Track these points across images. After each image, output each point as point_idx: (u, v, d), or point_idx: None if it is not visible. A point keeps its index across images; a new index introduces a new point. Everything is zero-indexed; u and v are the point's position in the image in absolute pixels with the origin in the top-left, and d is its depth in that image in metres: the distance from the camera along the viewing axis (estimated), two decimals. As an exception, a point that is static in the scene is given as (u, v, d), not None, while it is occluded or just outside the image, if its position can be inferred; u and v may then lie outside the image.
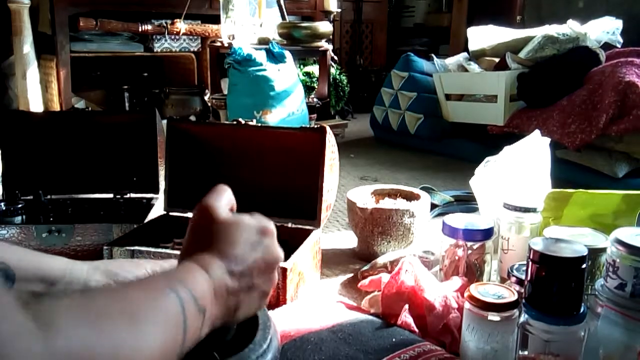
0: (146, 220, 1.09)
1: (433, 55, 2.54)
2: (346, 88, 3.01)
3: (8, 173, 1.24)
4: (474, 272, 0.92)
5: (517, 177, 1.08)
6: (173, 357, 0.41)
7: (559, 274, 0.66)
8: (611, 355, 0.71)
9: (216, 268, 0.48)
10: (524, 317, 0.69)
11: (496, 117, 2.10)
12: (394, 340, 0.78)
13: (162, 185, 1.23)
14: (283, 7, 2.69)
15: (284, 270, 0.87)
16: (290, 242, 1.02)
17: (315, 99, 2.56)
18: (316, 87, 2.72)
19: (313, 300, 0.93)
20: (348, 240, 1.30)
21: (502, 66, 2.15)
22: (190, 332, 0.42)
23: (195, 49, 2.78)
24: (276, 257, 0.54)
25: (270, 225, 0.54)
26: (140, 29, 2.49)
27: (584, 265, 0.66)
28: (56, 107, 2.35)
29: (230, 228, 0.51)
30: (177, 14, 2.52)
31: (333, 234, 1.38)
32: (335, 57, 2.84)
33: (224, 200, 0.53)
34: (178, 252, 0.59)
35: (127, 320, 0.37)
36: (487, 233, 0.91)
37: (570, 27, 2.06)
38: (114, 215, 1.20)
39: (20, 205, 1.17)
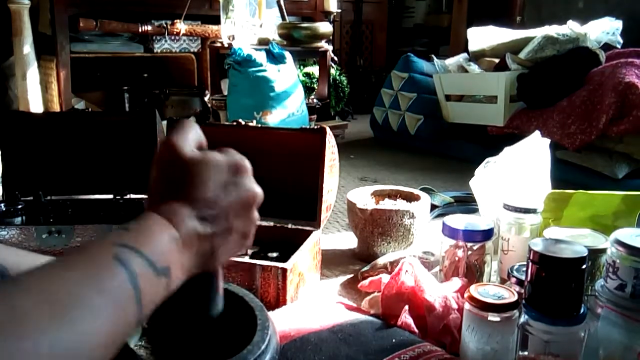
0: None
1: (433, 55, 2.54)
2: (346, 89, 3.01)
3: (8, 174, 1.24)
4: (474, 272, 0.92)
5: (517, 178, 1.08)
6: (128, 332, 0.37)
7: (559, 275, 0.66)
8: (611, 356, 0.71)
9: (184, 216, 0.43)
10: (524, 318, 0.69)
11: (496, 118, 2.10)
12: (394, 340, 0.78)
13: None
14: (283, 7, 2.69)
15: (284, 271, 0.87)
16: (291, 242, 1.02)
17: (315, 100, 2.56)
18: (316, 88, 2.72)
19: (313, 301, 0.93)
20: (348, 241, 1.30)
21: (502, 67, 2.15)
22: (147, 301, 0.38)
23: (196, 50, 2.78)
24: (252, 194, 0.49)
25: (244, 161, 0.49)
26: (140, 30, 2.49)
27: (584, 266, 0.66)
28: (56, 107, 2.35)
29: (198, 168, 0.45)
30: (177, 14, 2.52)
31: (333, 234, 1.38)
32: (335, 58, 2.84)
33: (190, 136, 0.47)
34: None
35: (58, 318, 0.32)
36: (487, 234, 0.91)
37: (570, 28, 2.06)
38: (114, 216, 1.20)
39: (20, 206, 1.17)
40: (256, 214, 0.50)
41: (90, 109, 1.63)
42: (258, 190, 0.50)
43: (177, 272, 0.42)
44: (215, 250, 0.46)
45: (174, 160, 0.45)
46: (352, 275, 1.11)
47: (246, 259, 0.56)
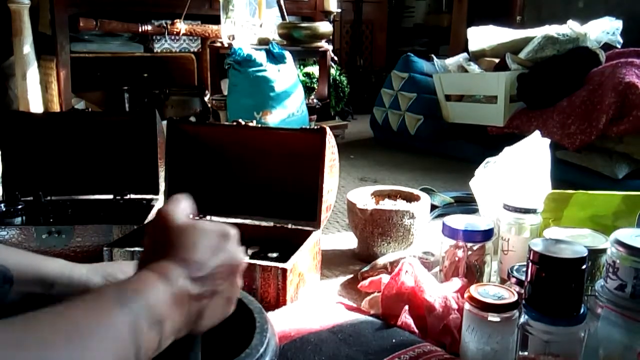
0: (146, 222, 1.09)
1: (433, 55, 2.54)
2: (346, 89, 3.01)
3: (8, 174, 1.24)
4: (474, 273, 0.92)
5: (517, 178, 1.08)
6: None
7: (559, 275, 0.66)
8: (611, 356, 0.71)
9: (176, 274, 0.46)
10: (524, 318, 0.69)
11: (496, 118, 2.10)
12: (394, 341, 0.78)
13: (162, 186, 1.23)
14: (283, 7, 2.69)
15: (284, 271, 0.87)
16: (291, 243, 1.02)
17: (315, 100, 2.56)
18: (316, 88, 2.72)
19: (313, 301, 0.93)
20: (348, 241, 1.30)
21: (502, 67, 2.15)
22: (144, 347, 0.41)
23: (195, 50, 2.78)
24: (238, 261, 0.51)
25: (232, 229, 0.52)
26: (140, 30, 2.49)
27: (584, 266, 0.66)
28: (56, 107, 2.35)
29: (188, 233, 0.49)
30: (177, 14, 2.52)
31: (333, 235, 1.38)
32: (335, 58, 2.84)
33: (182, 206, 0.51)
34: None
35: (64, 346, 0.35)
36: (487, 234, 0.91)
37: (570, 28, 2.06)
38: (114, 216, 1.20)
39: (20, 207, 1.17)
40: (240, 281, 0.53)
41: (90, 109, 1.62)
42: (243, 257, 0.53)
43: (168, 328, 0.44)
44: (202, 312, 0.48)
45: (167, 226, 0.49)
46: (352, 276, 1.11)
47: (246, 259, 0.56)
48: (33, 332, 0.35)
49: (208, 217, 1.08)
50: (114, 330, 0.39)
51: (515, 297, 0.72)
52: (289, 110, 2.09)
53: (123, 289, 0.43)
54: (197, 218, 0.54)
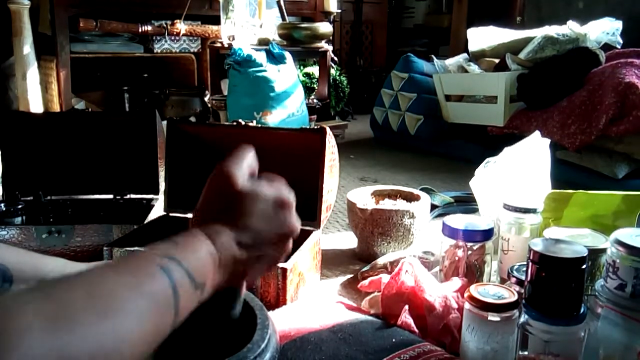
0: (146, 221, 1.09)
1: (433, 56, 2.54)
2: (346, 89, 3.01)
3: (8, 174, 1.24)
4: (474, 272, 0.92)
5: (517, 178, 1.08)
6: (164, 335, 0.40)
7: (559, 275, 0.66)
8: (611, 356, 0.71)
9: (225, 238, 0.47)
10: (524, 318, 0.69)
11: (496, 118, 2.10)
12: (394, 340, 0.78)
13: (162, 186, 1.23)
14: (283, 7, 2.69)
15: (284, 271, 0.87)
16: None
17: (315, 100, 2.56)
18: (316, 88, 2.72)
19: (313, 301, 0.92)
20: (348, 241, 1.30)
21: (502, 67, 2.15)
22: (182, 309, 0.41)
23: (196, 50, 2.78)
24: (291, 229, 0.53)
25: (289, 196, 0.53)
26: (140, 30, 2.49)
27: (584, 266, 0.66)
28: (56, 108, 2.35)
29: (247, 199, 0.50)
30: (177, 14, 2.52)
31: (333, 234, 1.38)
32: (335, 58, 2.84)
33: (244, 165, 0.52)
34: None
35: (103, 314, 0.34)
36: (487, 234, 0.91)
37: (570, 28, 2.06)
38: (114, 216, 1.20)
39: (20, 206, 1.17)
40: (290, 245, 0.54)
41: (90, 109, 1.63)
42: (296, 225, 0.54)
43: (209, 287, 0.46)
44: (246, 272, 0.50)
45: (227, 188, 0.50)
46: (352, 275, 1.11)
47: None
48: (70, 307, 0.33)
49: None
50: (152, 299, 0.39)
51: (515, 297, 0.72)
52: (289, 110, 2.09)
53: (169, 252, 0.43)
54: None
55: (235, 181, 0.50)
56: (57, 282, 0.35)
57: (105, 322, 0.34)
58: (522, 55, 2.11)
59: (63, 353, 0.31)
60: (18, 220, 1.16)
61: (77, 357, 0.32)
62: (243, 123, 1.12)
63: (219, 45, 2.36)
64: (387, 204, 1.23)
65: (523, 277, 0.74)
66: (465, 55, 2.40)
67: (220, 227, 0.48)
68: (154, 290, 0.39)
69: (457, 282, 0.88)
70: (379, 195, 1.29)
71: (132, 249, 0.93)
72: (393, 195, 1.28)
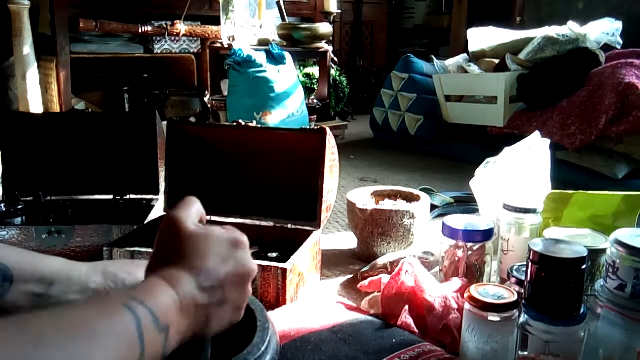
0: (146, 222, 1.09)
1: (433, 56, 2.54)
2: (346, 89, 3.01)
3: (8, 174, 1.24)
4: (474, 273, 0.92)
5: (517, 178, 1.08)
6: None
7: (559, 275, 0.66)
8: (611, 356, 0.71)
9: (184, 283, 0.46)
10: (524, 318, 0.69)
11: (496, 119, 2.10)
12: (394, 340, 0.78)
13: (162, 186, 1.23)
14: (283, 8, 2.69)
15: (284, 271, 0.87)
16: (291, 243, 1.02)
17: (315, 101, 2.56)
18: (316, 88, 2.72)
19: (313, 301, 0.93)
20: (348, 241, 1.30)
21: (502, 67, 2.15)
22: (148, 350, 0.41)
23: (196, 50, 2.78)
24: (249, 269, 0.51)
25: (243, 237, 0.52)
26: (140, 30, 2.49)
27: (584, 266, 0.66)
28: (56, 108, 2.35)
29: (199, 240, 0.48)
30: (177, 15, 2.52)
31: (333, 235, 1.38)
32: (335, 59, 2.84)
33: (192, 211, 0.51)
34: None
35: (72, 343, 0.35)
36: (487, 234, 0.91)
37: (570, 29, 2.06)
38: (114, 217, 1.20)
39: (20, 207, 1.17)
40: (250, 289, 0.52)
41: (90, 110, 1.63)
42: (253, 266, 0.52)
43: (174, 333, 0.44)
44: (209, 320, 0.48)
45: (177, 233, 0.48)
46: (352, 275, 1.11)
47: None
48: (32, 331, 0.35)
49: (208, 217, 1.07)
50: (118, 330, 0.39)
51: (515, 297, 0.72)
52: (289, 110, 2.09)
53: (130, 293, 0.43)
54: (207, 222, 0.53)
55: (186, 225, 0.49)
56: (24, 315, 0.36)
57: (74, 346, 0.35)
58: (522, 55, 2.11)
59: None
60: (18, 220, 1.16)
61: None
62: (243, 123, 1.12)
63: (219, 45, 2.36)
64: (387, 205, 1.23)
65: (523, 277, 0.74)
66: (465, 55, 2.40)
67: (178, 271, 0.46)
68: (119, 326, 0.39)
69: (457, 282, 0.88)
70: (379, 195, 1.29)
71: (132, 249, 0.93)
72: (393, 195, 1.28)
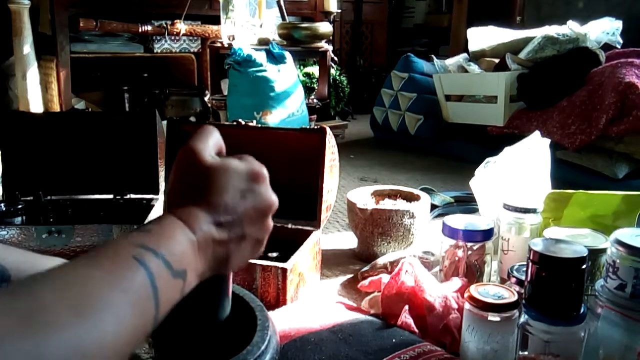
0: (146, 221, 1.09)
1: (433, 56, 2.54)
2: (346, 89, 3.01)
3: (8, 174, 1.24)
4: (474, 272, 0.92)
5: (517, 178, 1.08)
6: (146, 332, 0.38)
7: (559, 275, 0.66)
8: (611, 356, 0.71)
9: (201, 221, 0.44)
10: (524, 318, 0.69)
11: (496, 118, 2.10)
12: (394, 340, 0.78)
13: (162, 186, 1.23)
14: (283, 7, 2.69)
15: (284, 271, 0.87)
16: (291, 242, 1.02)
17: (315, 100, 2.56)
18: (316, 88, 2.72)
19: (313, 301, 0.93)
20: (348, 240, 1.30)
21: (502, 67, 2.15)
22: (163, 302, 0.39)
23: (196, 50, 2.78)
24: (269, 203, 0.49)
25: (262, 169, 0.50)
26: (140, 30, 2.49)
27: (584, 266, 0.66)
28: (56, 107, 2.35)
29: (217, 174, 0.46)
30: (177, 14, 2.52)
31: (333, 234, 1.38)
32: (335, 58, 2.84)
33: (210, 142, 0.49)
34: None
35: (79, 312, 0.32)
36: (487, 234, 0.91)
37: (570, 28, 2.06)
38: (114, 216, 1.20)
39: (20, 206, 1.17)
40: (270, 222, 0.50)
41: (90, 109, 1.62)
42: (274, 198, 0.50)
43: (191, 275, 0.43)
44: (229, 256, 0.46)
45: (194, 165, 0.46)
46: (352, 275, 1.11)
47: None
48: (44, 306, 0.31)
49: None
50: (130, 292, 0.36)
51: (515, 297, 0.72)
52: (289, 110, 2.09)
53: (141, 240, 0.40)
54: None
55: (203, 157, 0.46)
56: (27, 282, 0.33)
57: (82, 322, 0.32)
58: (522, 55, 2.11)
59: (39, 356, 0.29)
60: (18, 220, 1.16)
61: (55, 359, 0.30)
62: (243, 123, 1.12)
63: (219, 45, 2.36)
64: (387, 204, 1.23)
65: (523, 277, 0.74)
66: (465, 55, 2.40)
67: (194, 207, 0.45)
68: (131, 285, 0.37)
69: (457, 282, 0.88)
70: (379, 195, 1.29)
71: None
72: (393, 195, 1.28)
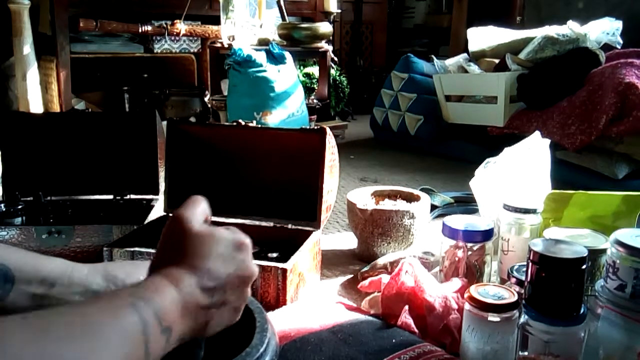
0: (146, 222, 1.09)
1: (433, 56, 2.54)
2: (346, 89, 3.01)
3: (8, 174, 1.24)
4: (474, 273, 0.92)
5: (517, 178, 1.08)
6: None
7: (559, 275, 0.66)
8: (611, 356, 0.71)
9: (187, 283, 0.46)
10: (524, 318, 0.69)
11: (496, 118, 2.10)
12: (394, 341, 0.78)
13: (162, 186, 1.23)
14: (283, 8, 2.69)
15: (284, 271, 0.87)
16: (291, 243, 1.02)
17: (315, 100, 2.56)
18: (316, 88, 2.72)
19: (313, 301, 0.93)
20: (348, 241, 1.30)
21: (502, 67, 2.15)
22: (153, 350, 0.41)
23: (196, 50, 2.78)
24: (250, 272, 0.52)
25: (246, 239, 0.52)
26: (140, 30, 2.49)
27: (584, 266, 0.66)
28: (56, 108, 2.35)
29: (203, 241, 0.49)
30: (177, 14, 2.52)
31: (333, 235, 1.38)
32: (335, 58, 2.84)
33: (198, 210, 0.51)
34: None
35: (79, 340, 0.36)
36: (487, 234, 0.91)
37: (570, 28, 2.06)
38: (114, 217, 1.20)
39: (20, 207, 1.17)
40: (249, 291, 0.53)
41: (90, 110, 1.63)
42: (255, 269, 0.52)
43: (174, 335, 0.44)
44: (209, 321, 0.48)
45: (182, 232, 0.49)
46: (352, 276, 1.11)
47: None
48: (50, 328, 0.35)
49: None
50: (127, 329, 0.39)
51: (515, 297, 0.72)
52: (289, 110, 2.09)
53: (136, 293, 0.43)
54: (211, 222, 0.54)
55: (191, 224, 0.49)
56: (37, 312, 0.37)
57: (81, 345, 0.35)
58: (522, 55, 2.11)
59: None
60: (18, 220, 1.16)
61: None
62: (243, 123, 1.12)
63: (219, 45, 2.36)
64: (387, 205, 1.23)
65: (523, 278, 0.74)
66: (465, 55, 2.40)
67: (181, 271, 0.47)
68: (126, 326, 0.39)
69: (457, 282, 0.88)
70: (379, 195, 1.29)
71: (132, 249, 0.93)
72: (393, 195, 1.28)
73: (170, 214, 0.51)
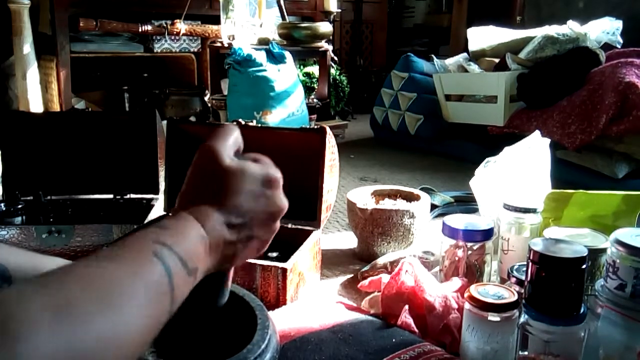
0: (146, 221, 1.09)
1: (433, 55, 2.54)
2: (346, 89, 3.01)
3: (8, 173, 1.24)
4: (474, 272, 0.92)
5: (517, 177, 1.08)
6: (162, 324, 0.39)
7: (559, 275, 0.66)
8: (611, 356, 0.71)
9: (214, 220, 0.46)
10: (524, 318, 0.69)
11: (496, 118, 2.10)
12: (394, 340, 0.78)
13: (162, 185, 1.23)
14: (283, 7, 2.69)
15: (284, 271, 0.87)
16: (291, 242, 1.02)
17: (315, 100, 2.56)
18: (316, 87, 2.72)
19: (313, 301, 0.93)
20: (348, 240, 1.30)
21: (502, 67, 2.15)
22: (177, 297, 0.41)
23: (196, 50, 2.78)
24: (280, 208, 0.52)
25: (277, 174, 0.52)
26: (140, 30, 2.49)
27: (584, 266, 0.66)
28: (56, 107, 2.35)
29: (233, 177, 0.48)
30: (177, 14, 2.52)
31: (333, 234, 1.38)
32: (335, 58, 2.84)
33: (230, 142, 0.49)
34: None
35: (105, 305, 0.34)
36: (487, 234, 0.91)
37: (570, 28, 2.06)
38: (114, 216, 1.20)
39: (20, 206, 1.17)
40: (278, 225, 0.53)
41: (90, 109, 1.62)
42: (285, 203, 0.53)
43: (201, 272, 0.45)
44: (235, 255, 0.49)
45: (212, 166, 0.48)
46: (352, 275, 1.11)
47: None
48: (72, 303, 0.33)
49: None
50: (151, 285, 0.38)
51: (515, 297, 0.72)
52: (289, 110, 2.09)
53: (159, 237, 0.42)
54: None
55: (222, 159, 0.48)
56: (56, 275, 0.35)
57: (108, 312, 0.34)
58: (522, 54, 2.11)
59: (70, 345, 0.31)
60: (18, 220, 1.16)
61: (84, 348, 0.32)
62: (243, 123, 1.12)
63: (219, 44, 2.36)
64: (387, 204, 1.23)
65: (523, 277, 0.74)
66: (465, 54, 2.40)
67: (208, 208, 0.46)
68: (150, 279, 0.38)
69: (457, 282, 0.88)
70: (379, 195, 1.29)
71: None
72: (393, 195, 1.28)
73: (200, 146, 0.49)
